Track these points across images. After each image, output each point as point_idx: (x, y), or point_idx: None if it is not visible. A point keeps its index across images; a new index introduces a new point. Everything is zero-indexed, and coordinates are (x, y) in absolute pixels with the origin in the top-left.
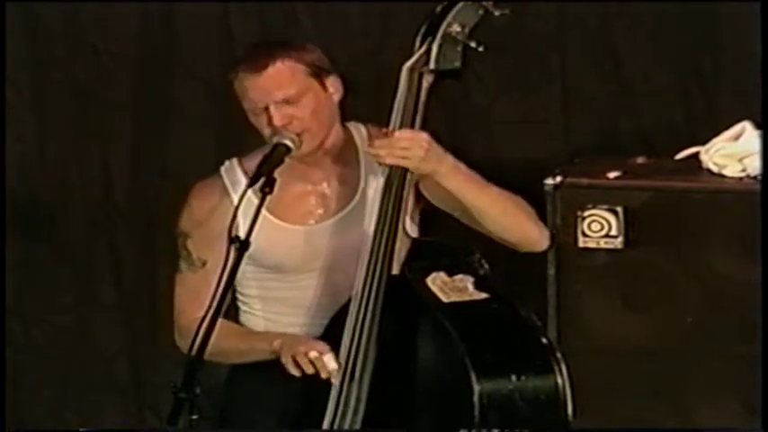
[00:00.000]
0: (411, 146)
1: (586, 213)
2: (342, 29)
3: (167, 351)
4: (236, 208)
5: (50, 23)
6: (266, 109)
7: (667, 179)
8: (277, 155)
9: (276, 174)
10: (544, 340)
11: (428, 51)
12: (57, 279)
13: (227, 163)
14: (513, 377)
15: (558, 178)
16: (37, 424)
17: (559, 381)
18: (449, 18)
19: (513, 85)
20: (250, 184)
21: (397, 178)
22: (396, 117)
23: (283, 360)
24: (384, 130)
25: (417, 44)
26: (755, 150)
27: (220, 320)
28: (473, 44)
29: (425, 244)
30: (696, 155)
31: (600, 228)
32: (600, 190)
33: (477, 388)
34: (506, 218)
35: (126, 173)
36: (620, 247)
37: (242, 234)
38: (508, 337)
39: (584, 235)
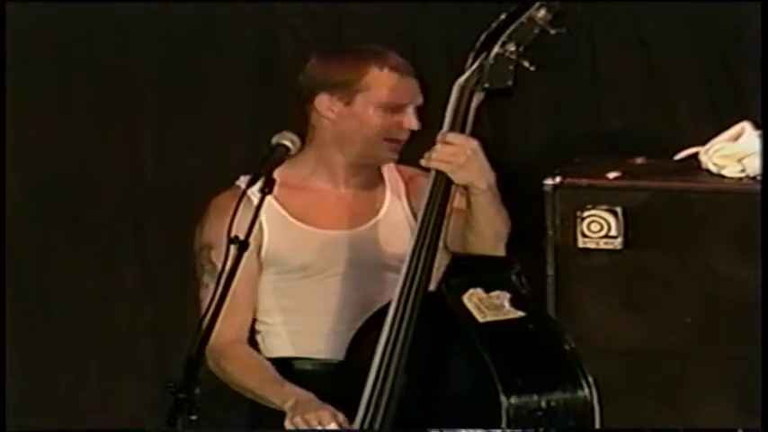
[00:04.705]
0: (456, 151)
1: (586, 214)
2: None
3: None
4: (258, 209)
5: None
6: (404, 108)
7: (667, 180)
8: (277, 155)
9: (302, 179)
10: (575, 361)
11: (481, 69)
12: (81, 260)
13: (242, 177)
14: (543, 401)
15: (558, 178)
16: (56, 406)
17: (588, 401)
18: (504, 37)
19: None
20: (249, 185)
21: (439, 193)
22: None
23: (287, 423)
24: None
25: (470, 60)
26: (755, 151)
27: (249, 351)
28: (526, 63)
29: (465, 259)
30: (695, 155)
31: (599, 228)
32: (599, 190)
33: (504, 403)
34: (490, 242)
35: (154, 152)
36: (619, 247)
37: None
38: (539, 358)
39: (584, 235)
